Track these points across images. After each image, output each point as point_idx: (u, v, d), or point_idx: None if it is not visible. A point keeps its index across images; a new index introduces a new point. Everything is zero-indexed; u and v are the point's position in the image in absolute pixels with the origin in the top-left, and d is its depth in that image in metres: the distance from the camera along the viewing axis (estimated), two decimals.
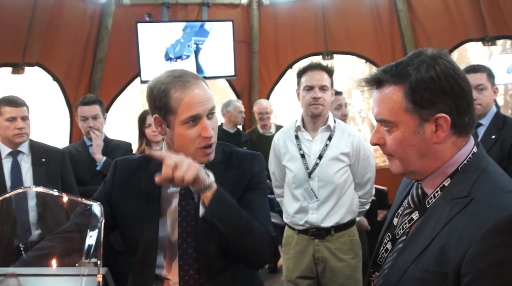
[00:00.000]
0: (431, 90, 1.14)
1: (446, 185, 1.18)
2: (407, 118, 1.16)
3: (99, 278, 1.03)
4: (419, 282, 1.13)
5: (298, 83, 2.78)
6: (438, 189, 1.19)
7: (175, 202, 1.62)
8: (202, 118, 1.53)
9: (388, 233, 1.32)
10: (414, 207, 1.27)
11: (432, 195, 1.21)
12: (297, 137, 2.82)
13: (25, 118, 2.94)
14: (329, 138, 2.75)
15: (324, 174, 2.70)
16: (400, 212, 1.32)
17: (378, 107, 1.22)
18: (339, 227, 2.74)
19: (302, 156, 2.76)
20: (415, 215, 1.24)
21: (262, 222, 1.61)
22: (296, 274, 2.78)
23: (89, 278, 1.04)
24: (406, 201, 1.31)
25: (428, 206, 1.21)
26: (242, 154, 1.73)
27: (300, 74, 2.77)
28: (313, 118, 2.75)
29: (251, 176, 1.66)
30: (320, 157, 2.72)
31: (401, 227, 1.28)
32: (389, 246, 1.30)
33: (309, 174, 2.72)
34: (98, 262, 1.05)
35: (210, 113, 1.55)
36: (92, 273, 1.04)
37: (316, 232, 2.74)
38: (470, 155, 1.18)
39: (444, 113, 1.14)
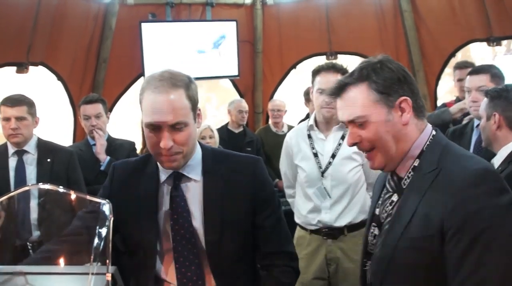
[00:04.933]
0: (390, 79, 1.35)
1: (416, 165, 1.36)
2: (377, 109, 1.35)
3: (108, 277, 1.02)
4: (410, 252, 1.26)
5: (312, 83, 2.75)
6: (410, 170, 1.37)
7: (167, 204, 1.59)
8: (161, 129, 1.45)
9: (373, 223, 1.47)
10: (392, 191, 1.42)
11: (406, 176, 1.38)
12: (309, 136, 2.79)
13: (21, 119, 2.87)
14: (342, 138, 2.71)
15: (337, 173, 2.68)
16: (381, 202, 1.47)
17: (349, 108, 1.38)
18: (352, 227, 2.71)
19: (315, 155, 2.74)
20: (395, 197, 1.40)
21: (286, 247, 1.66)
22: (309, 275, 2.74)
23: (98, 277, 1.03)
24: (384, 190, 1.47)
25: (404, 187, 1.37)
26: (242, 158, 1.70)
27: (314, 74, 2.72)
28: (326, 119, 2.73)
29: (255, 182, 1.61)
30: (333, 156, 2.70)
31: (384, 211, 1.43)
32: (376, 231, 1.45)
33: (322, 173, 2.70)
34: (107, 260, 1.04)
35: (177, 126, 1.45)
36: (101, 271, 1.04)
37: (329, 232, 2.71)
38: (431, 137, 1.38)
39: (405, 96, 1.35)
